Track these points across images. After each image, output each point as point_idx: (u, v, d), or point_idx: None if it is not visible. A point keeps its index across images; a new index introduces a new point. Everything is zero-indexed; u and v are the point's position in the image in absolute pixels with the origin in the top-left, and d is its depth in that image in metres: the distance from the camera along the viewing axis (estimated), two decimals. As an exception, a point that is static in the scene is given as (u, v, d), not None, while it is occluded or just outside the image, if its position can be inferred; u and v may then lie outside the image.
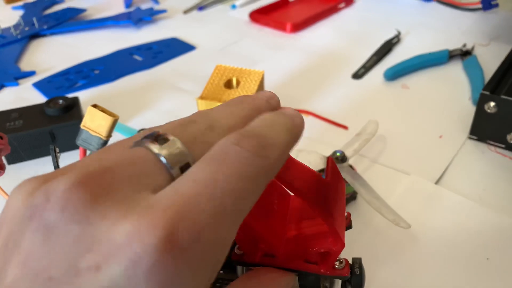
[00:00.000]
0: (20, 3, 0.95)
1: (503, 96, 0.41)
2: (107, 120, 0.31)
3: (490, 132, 0.44)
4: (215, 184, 0.13)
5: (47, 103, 0.46)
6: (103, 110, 0.31)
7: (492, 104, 0.42)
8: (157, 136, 0.14)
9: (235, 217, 0.14)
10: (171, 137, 0.14)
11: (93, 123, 0.32)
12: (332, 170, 0.23)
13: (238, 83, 0.44)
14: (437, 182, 0.40)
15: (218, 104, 0.39)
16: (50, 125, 0.44)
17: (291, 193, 0.23)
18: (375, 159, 0.43)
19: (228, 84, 0.44)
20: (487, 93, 0.42)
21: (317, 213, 0.20)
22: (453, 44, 0.66)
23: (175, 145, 0.14)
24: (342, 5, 0.82)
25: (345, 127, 0.48)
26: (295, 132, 0.17)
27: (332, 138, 0.47)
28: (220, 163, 0.13)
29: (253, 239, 0.21)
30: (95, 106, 0.32)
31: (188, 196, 0.12)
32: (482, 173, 0.41)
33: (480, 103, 0.43)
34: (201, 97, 0.43)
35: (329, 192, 0.22)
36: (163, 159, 0.14)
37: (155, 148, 0.14)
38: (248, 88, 0.43)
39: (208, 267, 0.13)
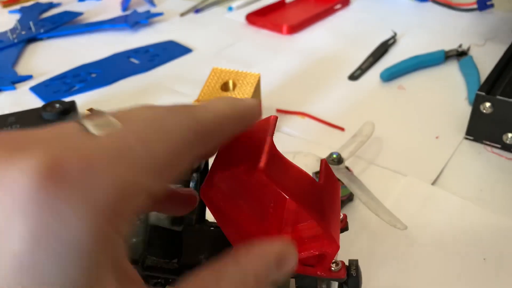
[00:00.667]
0: (17, 7, 0.95)
1: (498, 97, 0.41)
2: (103, 125, 0.31)
3: (486, 132, 0.44)
4: None
5: (44, 107, 0.46)
6: (99, 115, 0.31)
7: (487, 104, 0.42)
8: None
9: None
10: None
11: (90, 127, 0.32)
12: (325, 172, 0.23)
13: (234, 85, 0.44)
14: (433, 183, 0.41)
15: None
16: (47, 129, 0.44)
17: (287, 196, 0.23)
18: (372, 160, 0.44)
19: (225, 87, 0.44)
20: (483, 93, 0.42)
21: (311, 217, 0.20)
22: (449, 44, 0.66)
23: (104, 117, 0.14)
24: (338, 6, 0.82)
25: (341, 129, 0.49)
26: None
27: (329, 140, 0.47)
28: None
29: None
30: (91, 110, 0.32)
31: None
32: (479, 173, 0.42)
33: (475, 103, 0.43)
34: (198, 100, 0.43)
35: (323, 195, 0.22)
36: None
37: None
38: (244, 91, 0.43)
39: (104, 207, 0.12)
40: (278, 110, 0.52)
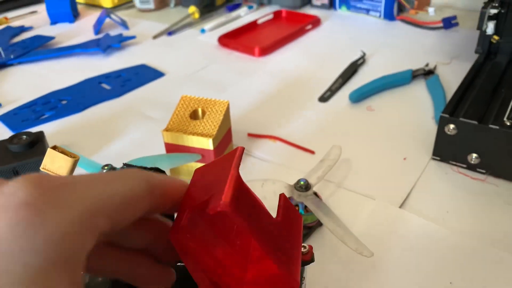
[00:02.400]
0: (-14, 32, 0.94)
1: (461, 119, 0.43)
2: (67, 162, 0.30)
3: (451, 153, 0.45)
4: None
5: (10, 139, 0.45)
6: (63, 152, 0.31)
7: (451, 126, 0.43)
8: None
9: None
10: None
11: (54, 165, 0.31)
12: (284, 207, 0.23)
13: (203, 113, 0.44)
14: (401, 206, 0.41)
15: (184, 136, 0.40)
16: (14, 162, 0.43)
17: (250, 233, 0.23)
18: (340, 184, 0.44)
19: (194, 115, 0.44)
20: (446, 115, 0.43)
21: (269, 257, 0.20)
22: (417, 63, 0.68)
23: None
24: (309, 27, 0.84)
25: (312, 152, 0.49)
26: None
27: (300, 163, 0.47)
28: None
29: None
30: (54, 147, 0.31)
31: None
32: (446, 194, 0.42)
33: (440, 125, 0.44)
34: (167, 129, 0.43)
35: (281, 231, 0.22)
36: None
37: None
38: (213, 119, 0.43)
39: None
40: (249, 135, 0.52)
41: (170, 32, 0.87)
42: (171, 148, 0.43)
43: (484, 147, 0.43)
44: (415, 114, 0.56)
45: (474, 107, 0.45)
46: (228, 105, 0.44)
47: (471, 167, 0.44)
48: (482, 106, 0.45)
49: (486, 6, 0.53)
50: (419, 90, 0.61)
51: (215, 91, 0.63)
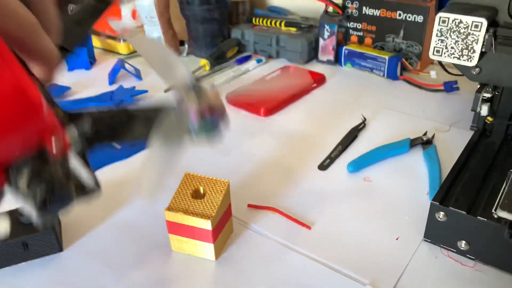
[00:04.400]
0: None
1: (451, 208, 0.44)
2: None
3: (442, 237, 0.47)
4: None
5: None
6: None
7: (442, 213, 0.45)
8: None
9: None
10: None
11: None
12: None
13: (204, 193, 0.47)
14: (391, 291, 0.43)
15: (184, 216, 0.42)
16: (24, 235, 0.46)
17: None
18: (329, 261, 0.46)
19: (196, 194, 0.47)
20: (437, 203, 0.45)
21: None
22: (417, 128, 0.70)
23: None
24: (314, 85, 0.87)
25: (308, 227, 0.51)
26: None
27: (295, 240, 0.49)
28: None
29: None
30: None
31: None
32: (435, 281, 0.44)
33: (431, 211, 0.46)
34: (169, 208, 0.45)
35: None
36: None
37: None
38: (213, 199, 0.45)
39: None
40: (250, 205, 0.54)
41: (180, 86, 0.90)
42: (171, 226, 0.46)
43: (473, 236, 0.44)
44: (411, 188, 0.57)
45: (465, 194, 0.46)
46: (228, 184, 0.47)
47: (461, 253, 0.46)
48: (472, 192, 0.47)
49: (480, 90, 0.55)
50: (416, 161, 0.63)
51: (219, 154, 0.66)
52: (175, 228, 0.46)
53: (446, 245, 0.47)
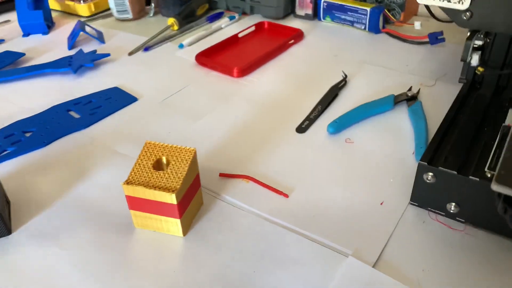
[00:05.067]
0: (-45, 46, 0.89)
1: (440, 168, 0.40)
2: None
3: (430, 200, 0.43)
4: None
5: (-40, 191, 0.42)
6: None
7: (430, 174, 0.41)
8: None
9: None
10: None
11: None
12: None
13: (168, 162, 0.42)
14: (376, 261, 0.39)
15: (145, 189, 0.37)
16: (-37, 218, 0.40)
17: None
18: (309, 232, 0.42)
19: (158, 164, 0.42)
20: (425, 163, 0.41)
21: None
22: (400, 83, 0.65)
23: None
24: (291, 41, 0.81)
25: (285, 195, 0.47)
26: None
27: (272, 208, 0.45)
28: None
29: None
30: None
31: None
32: (422, 248, 0.40)
33: (418, 172, 0.42)
34: (127, 182, 0.40)
35: None
36: None
37: None
38: (178, 169, 0.40)
39: None
40: (221, 175, 0.50)
41: (146, 48, 0.83)
42: (132, 201, 0.41)
43: (464, 197, 0.40)
44: (396, 148, 0.53)
45: (455, 152, 0.42)
46: (195, 153, 0.42)
47: (450, 216, 0.42)
48: (463, 150, 0.43)
49: (470, 37, 0.50)
50: (401, 119, 0.59)
51: (189, 119, 0.61)
52: (137, 204, 0.41)
53: (434, 208, 0.43)
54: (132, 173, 0.41)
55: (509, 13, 0.44)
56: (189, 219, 0.43)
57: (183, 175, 0.40)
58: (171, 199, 0.39)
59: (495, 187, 0.32)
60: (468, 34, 0.51)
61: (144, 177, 0.40)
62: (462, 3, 0.44)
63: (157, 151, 0.42)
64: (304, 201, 0.46)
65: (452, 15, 0.48)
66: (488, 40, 0.51)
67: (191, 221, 0.44)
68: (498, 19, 0.45)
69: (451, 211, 0.42)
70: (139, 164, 0.41)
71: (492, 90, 0.52)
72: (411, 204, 0.45)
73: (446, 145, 0.44)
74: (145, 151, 0.42)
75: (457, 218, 0.42)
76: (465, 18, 0.46)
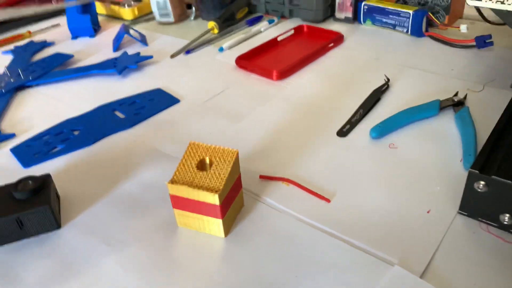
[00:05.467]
0: (10, 47, 0.95)
1: (493, 177, 0.38)
2: None
3: (481, 210, 0.41)
4: None
5: (15, 185, 0.44)
6: None
7: (482, 183, 0.39)
8: None
9: None
10: None
11: None
12: None
13: (211, 163, 0.42)
14: (423, 274, 0.38)
15: (189, 189, 0.37)
16: (18, 211, 0.42)
17: None
18: (352, 238, 0.41)
19: (201, 165, 0.42)
20: (476, 171, 0.39)
21: None
22: (446, 88, 0.63)
23: None
24: (331, 44, 0.80)
25: (327, 200, 0.46)
26: None
27: (313, 211, 0.44)
28: None
29: None
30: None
31: None
32: (473, 260, 0.39)
33: (469, 181, 0.40)
34: (172, 181, 0.41)
35: None
36: None
37: None
38: (221, 170, 0.41)
39: None
40: (262, 177, 0.50)
41: (188, 51, 0.85)
42: (176, 200, 0.41)
43: (518, 208, 0.38)
44: (442, 155, 0.51)
45: (509, 160, 0.40)
46: (237, 154, 0.42)
47: (504, 228, 0.40)
48: (517, 158, 0.41)
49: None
50: (447, 125, 0.57)
51: (230, 121, 0.61)
52: (180, 203, 0.42)
53: (486, 219, 0.41)
54: (177, 173, 0.41)
55: None
56: (230, 220, 0.43)
57: (226, 176, 0.40)
58: (214, 199, 0.39)
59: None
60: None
61: (188, 176, 0.41)
62: (519, 4, 0.42)
63: (200, 151, 0.43)
64: (346, 207, 0.45)
65: (505, 17, 0.46)
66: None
67: (233, 222, 0.44)
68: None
69: (505, 223, 0.40)
70: (183, 164, 0.42)
71: (548, 96, 0.49)
72: (460, 213, 0.43)
73: (499, 152, 0.42)
74: (189, 152, 0.43)
75: (511, 230, 0.40)
76: (520, 20, 0.44)
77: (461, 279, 0.37)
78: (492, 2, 0.43)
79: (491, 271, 0.37)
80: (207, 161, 0.42)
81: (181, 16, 1.02)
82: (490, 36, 0.73)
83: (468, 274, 0.37)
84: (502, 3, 0.44)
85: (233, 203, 0.43)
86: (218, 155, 0.42)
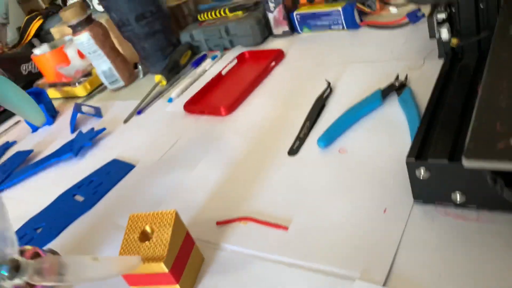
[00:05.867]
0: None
1: (430, 160, 0.37)
2: None
3: (433, 194, 0.39)
4: None
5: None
6: None
7: (422, 170, 0.38)
8: None
9: None
10: None
11: None
12: None
13: (152, 231, 0.41)
14: (387, 277, 0.36)
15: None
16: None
17: None
18: (312, 262, 0.39)
19: (144, 236, 0.41)
20: (412, 159, 0.38)
21: None
22: (388, 74, 0.62)
23: None
24: (273, 63, 0.80)
25: (285, 228, 0.44)
26: None
27: (272, 243, 0.43)
28: None
29: None
30: None
31: None
32: (435, 249, 0.36)
33: (410, 171, 0.39)
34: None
35: None
36: None
37: None
38: (162, 236, 0.39)
39: None
40: (218, 223, 0.48)
41: (139, 111, 0.85)
42: (130, 278, 0.40)
43: (466, 183, 0.37)
44: (392, 145, 0.50)
45: (443, 138, 0.39)
46: (176, 214, 0.41)
47: (459, 206, 0.38)
48: (452, 132, 0.39)
49: (431, 13, 0.47)
50: (393, 112, 0.55)
51: (185, 171, 0.60)
52: (134, 280, 0.40)
53: (441, 201, 0.39)
54: (121, 251, 0.40)
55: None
56: (190, 279, 0.42)
57: (168, 240, 0.39)
58: (161, 268, 0.38)
59: (467, 163, 0.29)
60: (430, 11, 0.48)
61: (133, 251, 0.40)
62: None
63: (141, 222, 0.42)
64: (304, 230, 0.43)
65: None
66: (453, 11, 0.47)
67: (194, 281, 0.42)
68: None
69: (458, 201, 0.38)
70: (126, 240, 0.41)
71: (475, 57, 0.48)
72: (416, 201, 0.41)
73: (434, 131, 0.40)
74: (130, 225, 0.42)
75: (468, 206, 0.38)
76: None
77: (426, 274, 0.35)
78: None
79: (455, 256, 0.35)
80: (148, 229, 0.41)
81: (130, 77, 1.03)
82: (419, 10, 0.73)
83: (433, 266, 0.35)
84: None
85: (187, 263, 0.41)
86: (157, 221, 0.41)
